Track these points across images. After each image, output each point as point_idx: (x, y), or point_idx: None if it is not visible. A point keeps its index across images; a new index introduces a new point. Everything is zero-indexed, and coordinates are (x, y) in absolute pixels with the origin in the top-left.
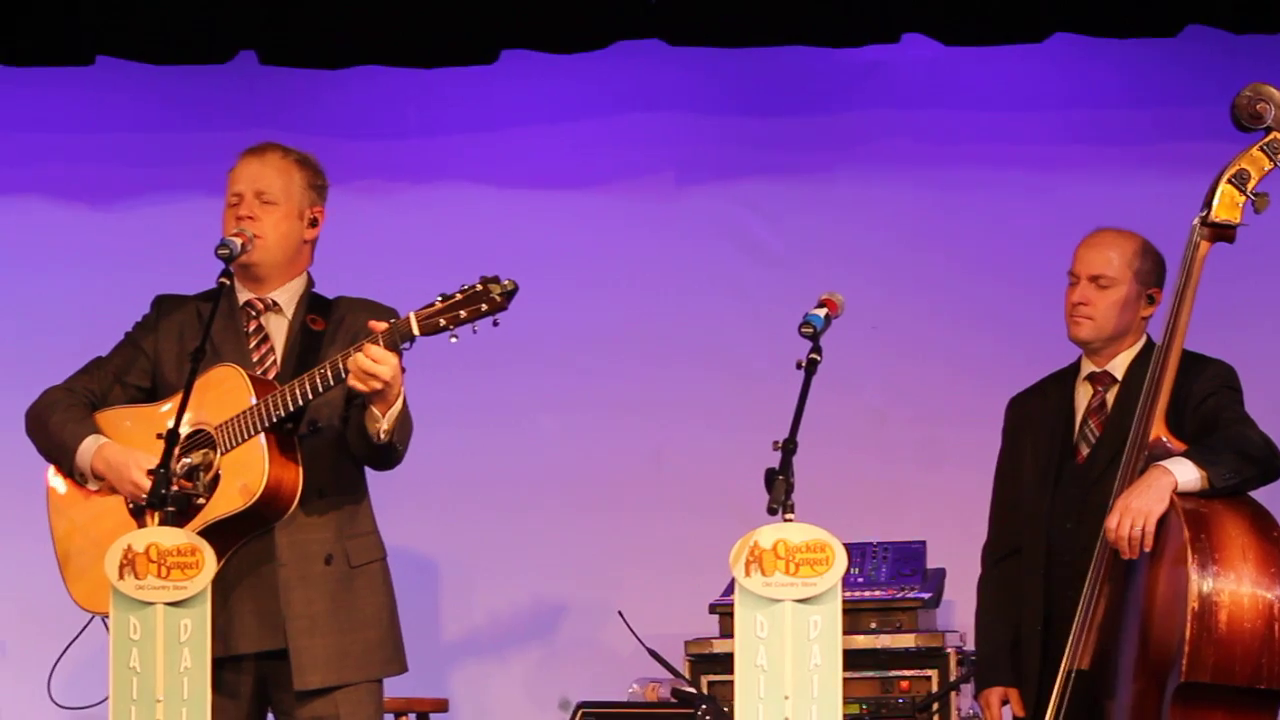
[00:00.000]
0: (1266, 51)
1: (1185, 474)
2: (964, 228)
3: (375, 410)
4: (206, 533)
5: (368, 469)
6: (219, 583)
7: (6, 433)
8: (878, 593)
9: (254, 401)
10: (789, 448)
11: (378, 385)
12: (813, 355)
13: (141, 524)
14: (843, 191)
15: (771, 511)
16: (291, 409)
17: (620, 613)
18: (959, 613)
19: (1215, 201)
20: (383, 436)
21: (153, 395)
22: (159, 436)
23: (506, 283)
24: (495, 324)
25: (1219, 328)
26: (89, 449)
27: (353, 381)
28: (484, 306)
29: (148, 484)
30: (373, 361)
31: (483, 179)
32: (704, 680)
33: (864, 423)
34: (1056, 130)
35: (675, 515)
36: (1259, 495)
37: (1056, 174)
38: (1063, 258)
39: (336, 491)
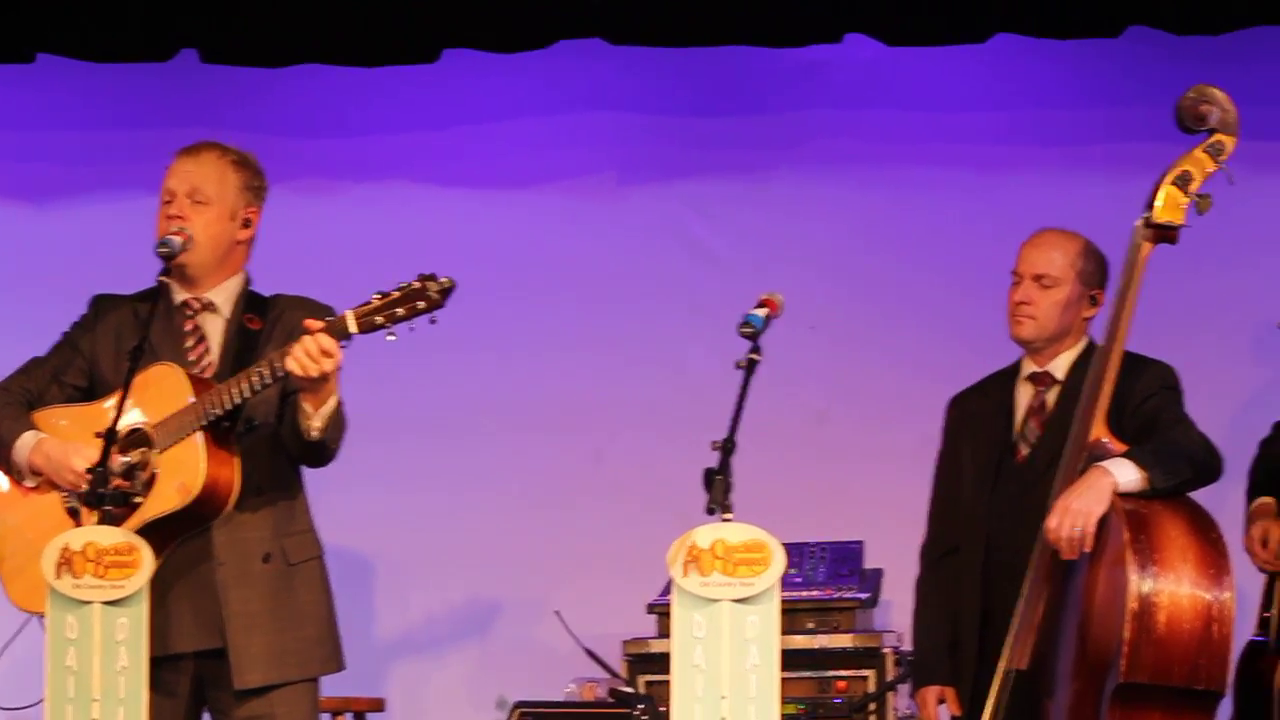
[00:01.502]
0: (1209, 52)
1: (1125, 475)
2: (906, 228)
3: (308, 407)
4: (144, 531)
5: (304, 467)
6: (156, 582)
7: None
8: (815, 593)
9: (191, 400)
10: (727, 447)
11: (315, 373)
12: (752, 355)
13: (79, 523)
14: (784, 191)
15: (710, 511)
16: (229, 407)
17: (558, 612)
18: (897, 613)
19: (1158, 203)
20: (315, 434)
21: (90, 395)
22: (97, 435)
23: (444, 280)
24: (433, 322)
25: (1161, 329)
26: (27, 444)
27: (291, 365)
28: (421, 304)
29: (85, 469)
30: (320, 349)
31: (424, 178)
32: (641, 680)
33: (803, 422)
34: (1000, 130)
35: (614, 515)
36: (1202, 497)
37: (1000, 174)
38: (1006, 257)
39: (273, 489)
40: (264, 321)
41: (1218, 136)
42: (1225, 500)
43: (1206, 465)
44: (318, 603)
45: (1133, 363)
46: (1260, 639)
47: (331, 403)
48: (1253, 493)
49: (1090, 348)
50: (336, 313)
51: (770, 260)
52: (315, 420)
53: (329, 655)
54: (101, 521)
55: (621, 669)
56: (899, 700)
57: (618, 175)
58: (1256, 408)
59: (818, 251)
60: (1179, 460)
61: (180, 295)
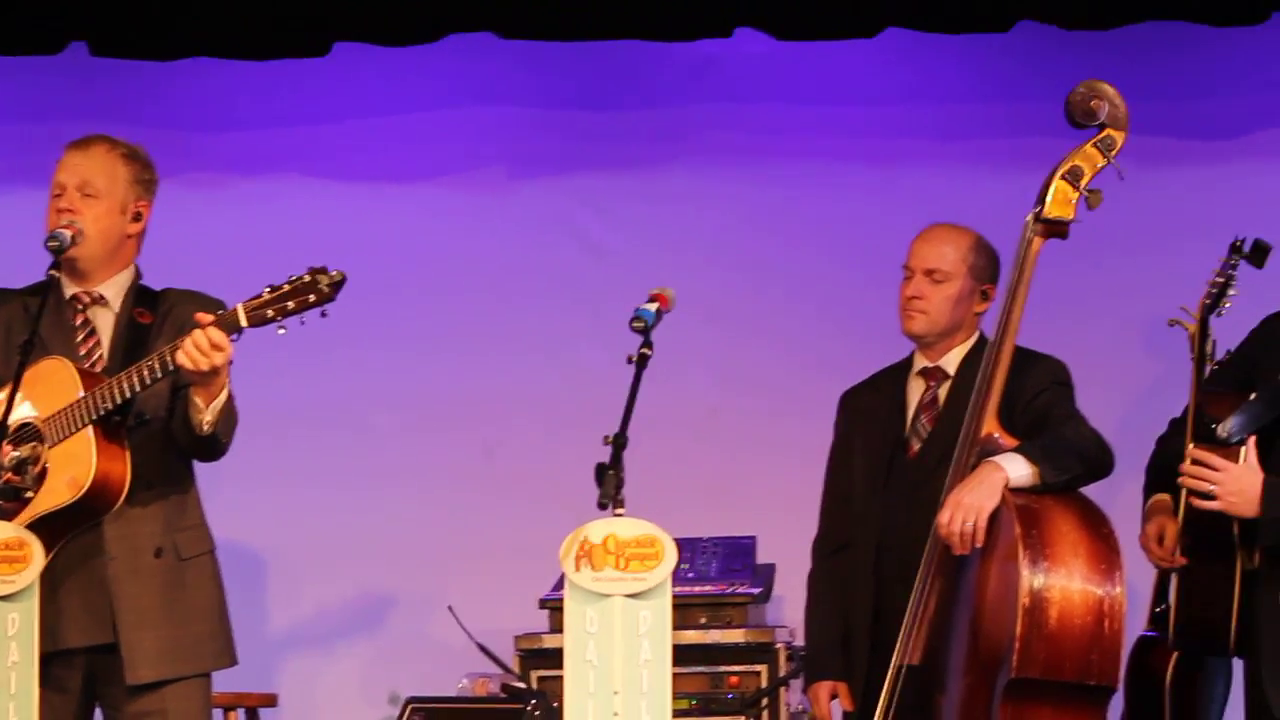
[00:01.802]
0: (1099, 47)
1: (1017, 470)
2: (799, 222)
3: (199, 401)
4: (34, 526)
5: (195, 461)
6: (47, 577)
7: None
8: (708, 588)
9: (82, 394)
10: (619, 442)
11: (205, 366)
12: (644, 350)
13: None
14: (676, 186)
15: (601, 506)
16: (119, 401)
17: (450, 607)
18: (789, 608)
19: (1048, 198)
20: (206, 428)
21: None
22: None
23: (334, 274)
24: (324, 315)
25: (1052, 324)
26: None
27: (181, 359)
28: (312, 298)
29: None
30: (210, 343)
31: (314, 172)
32: (534, 675)
33: (695, 417)
34: (891, 125)
35: (507, 510)
36: (1094, 492)
37: (892, 169)
38: (898, 252)
39: (164, 484)
40: (154, 315)
41: (1108, 132)
42: (1117, 495)
43: (1097, 460)
44: (209, 598)
45: (1024, 358)
46: (1151, 634)
47: (222, 397)
48: (1149, 489)
49: (981, 342)
50: (227, 306)
51: (662, 254)
52: (206, 414)
53: (221, 650)
54: None
55: (514, 664)
56: (791, 695)
57: (508, 170)
58: (1149, 403)
59: (710, 246)
60: (1070, 455)
61: (70, 289)
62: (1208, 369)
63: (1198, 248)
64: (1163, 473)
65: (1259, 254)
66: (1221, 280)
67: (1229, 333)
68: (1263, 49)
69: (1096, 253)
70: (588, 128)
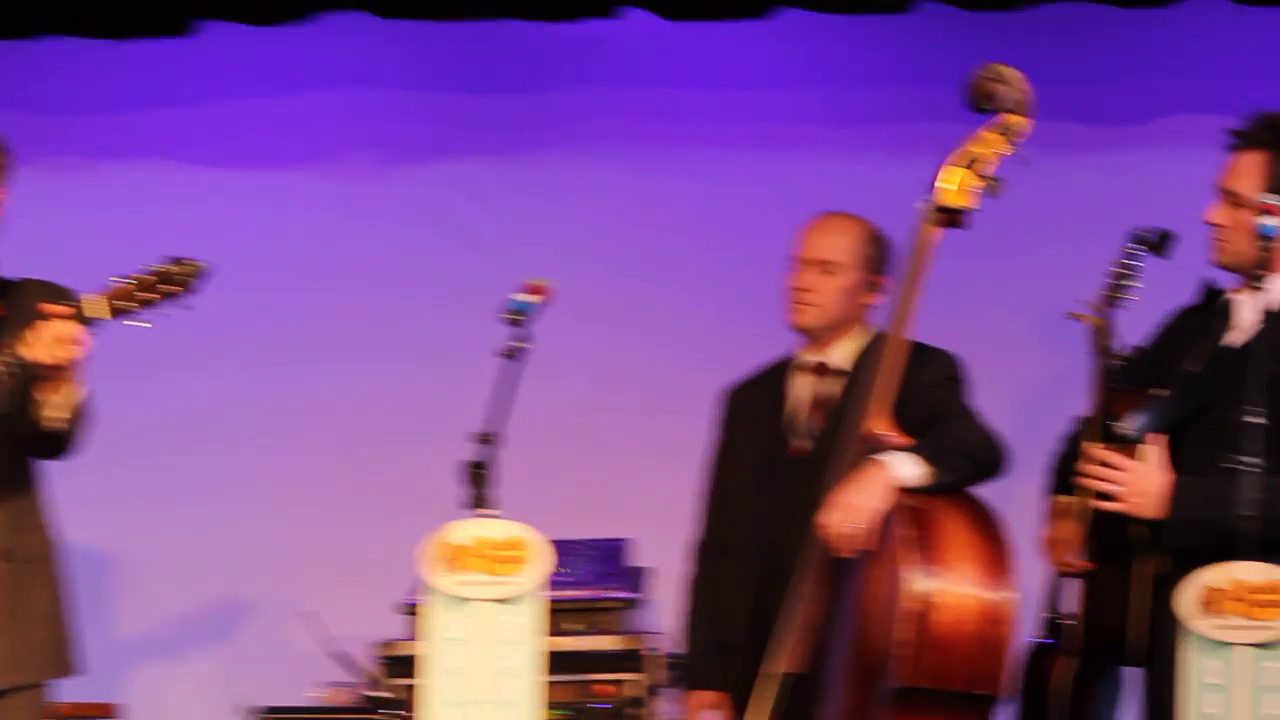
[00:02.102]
0: (1002, 29)
1: (907, 469)
2: (686, 211)
3: (47, 396)
4: None
5: (41, 461)
6: None
7: None
8: (580, 592)
9: None
10: (490, 439)
11: (53, 360)
12: (518, 343)
13: None
14: (557, 173)
15: (470, 507)
16: None
17: (306, 613)
18: (665, 614)
19: (947, 185)
20: (53, 424)
21: None
22: None
23: (195, 264)
24: (185, 307)
25: (947, 317)
26: None
27: (29, 351)
28: (171, 289)
29: None
30: (59, 335)
31: (177, 156)
32: (394, 684)
33: (571, 414)
34: (786, 109)
35: (371, 511)
36: (988, 492)
37: (784, 156)
38: (787, 242)
39: (8, 484)
40: (7, 306)
41: (1010, 117)
42: (1012, 496)
43: (991, 460)
44: (53, 603)
45: (917, 352)
46: (1044, 641)
47: (73, 393)
48: (1052, 491)
49: (873, 336)
50: (82, 296)
51: (541, 245)
52: (54, 410)
53: (63, 659)
54: None
55: (372, 672)
56: (666, 705)
57: (381, 155)
58: (1048, 399)
59: (590, 236)
60: (962, 454)
61: None
62: (1110, 364)
63: (1101, 238)
64: (1066, 473)
65: (1162, 243)
66: (1123, 271)
67: (1132, 326)
68: (1171, 32)
69: (995, 243)
70: (466, 112)
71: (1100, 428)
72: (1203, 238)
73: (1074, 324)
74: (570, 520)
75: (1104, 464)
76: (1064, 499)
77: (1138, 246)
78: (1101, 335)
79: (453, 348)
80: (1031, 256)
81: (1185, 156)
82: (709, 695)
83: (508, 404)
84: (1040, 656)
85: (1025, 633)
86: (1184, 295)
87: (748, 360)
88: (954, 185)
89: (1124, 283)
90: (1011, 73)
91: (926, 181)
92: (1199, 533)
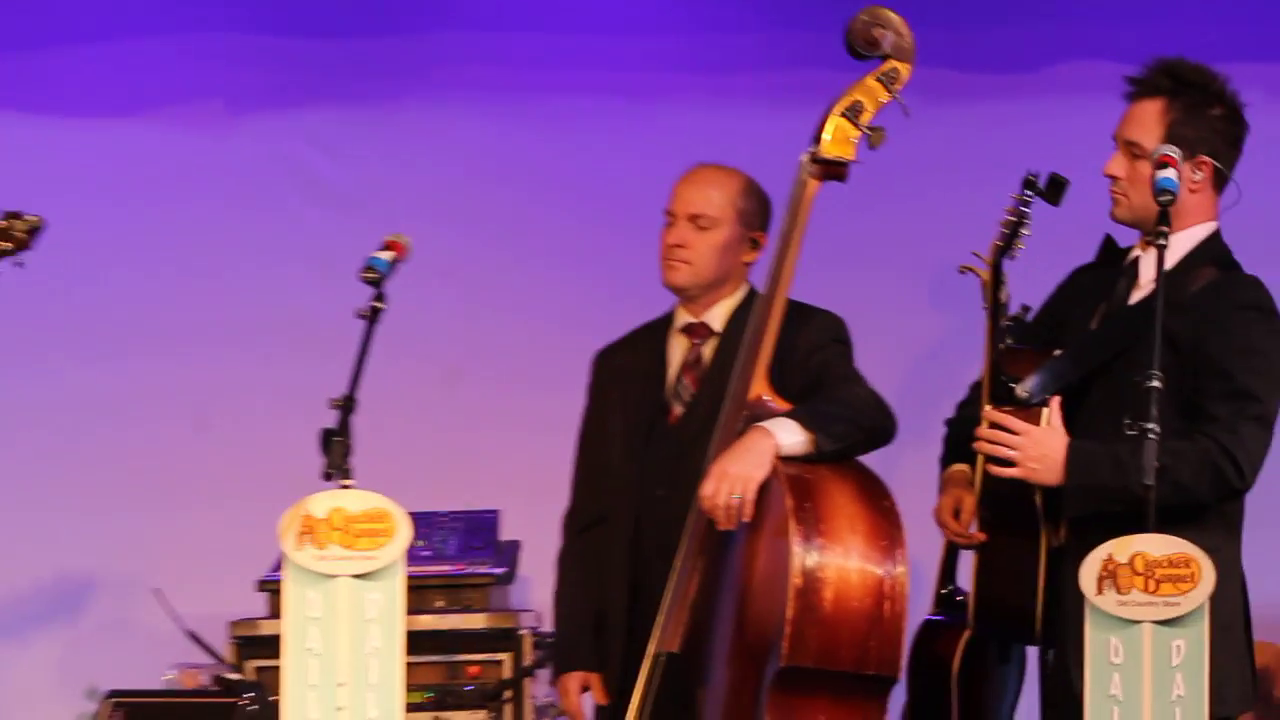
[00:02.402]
0: None
1: (789, 436)
2: (551, 164)
3: None
4: None
5: None
6: None
7: None
8: (445, 567)
9: None
10: (347, 406)
11: None
12: (375, 303)
13: None
14: (413, 123)
15: (327, 477)
16: None
17: (156, 591)
18: (536, 590)
19: (825, 136)
20: None
21: None
22: None
23: (31, 218)
24: (19, 265)
25: (829, 275)
26: None
27: None
28: (6, 245)
29: None
30: None
31: (9, 105)
32: (250, 666)
33: (434, 380)
34: (651, 56)
35: (222, 486)
36: (879, 460)
37: (651, 104)
38: (658, 197)
39: None
40: None
41: (891, 63)
42: (899, 463)
43: (878, 426)
44: None
45: (797, 312)
46: (938, 618)
47: None
48: (947, 459)
49: (751, 296)
50: None
51: (397, 199)
52: None
53: None
54: None
55: (228, 653)
56: (537, 687)
57: (227, 103)
58: (937, 360)
59: (451, 190)
60: (847, 420)
61: None
62: (1004, 322)
63: (990, 189)
64: (960, 440)
65: (1055, 189)
66: (1014, 219)
67: (1024, 280)
68: None
69: (879, 196)
70: (315, 57)
71: (995, 389)
72: (1102, 191)
73: (965, 280)
74: (436, 492)
75: (999, 427)
76: (958, 467)
77: (1028, 193)
78: (994, 291)
79: (308, 310)
80: (919, 210)
81: (1081, 105)
82: (583, 676)
83: (365, 367)
84: (935, 634)
85: (919, 610)
86: (1083, 255)
87: (621, 323)
88: (834, 136)
89: (1015, 232)
90: (894, 16)
91: (805, 133)
92: (1099, 500)
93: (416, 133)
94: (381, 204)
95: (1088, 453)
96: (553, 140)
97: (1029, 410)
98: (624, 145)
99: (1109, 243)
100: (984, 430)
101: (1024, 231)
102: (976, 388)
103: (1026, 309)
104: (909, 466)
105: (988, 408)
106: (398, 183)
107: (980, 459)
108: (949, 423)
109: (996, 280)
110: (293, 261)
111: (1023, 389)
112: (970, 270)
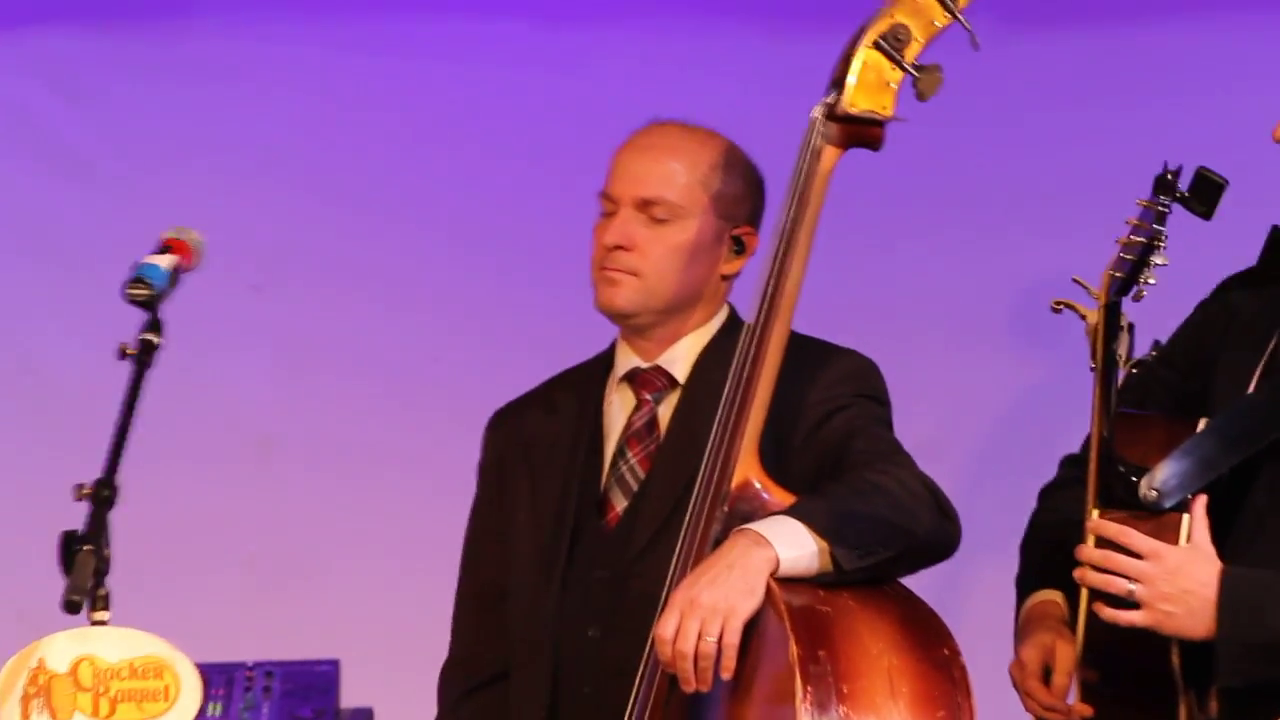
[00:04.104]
0: None
1: (793, 546)
2: (414, 119)
3: None
4: None
5: None
6: None
7: None
8: None
9: None
10: (103, 496)
11: None
12: (148, 335)
13: None
14: (199, 52)
15: (71, 608)
16: None
17: None
18: None
19: (851, 80)
20: None
21: None
22: None
23: None
24: None
25: (855, 297)
26: None
27: None
28: None
29: None
30: None
31: None
32: None
33: (241, 451)
34: None
35: None
36: (933, 582)
37: (584, 31)
38: (593, 175)
39: None
40: None
41: None
42: (965, 585)
43: (931, 529)
44: None
45: (807, 353)
46: None
47: None
48: (1029, 583)
49: (733, 326)
50: None
51: (179, 173)
52: None
53: None
54: None
55: None
56: None
57: None
58: (1020, 430)
59: (264, 156)
60: (883, 521)
61: None
62: (1121, 373)
63: (1105, 173)
64: (1049, 555)
65: (1205, 192)
66: (1141, 238)
67: (1151, 319)
68: None
69: (930, 175)
70: None
71: (1106, 483)
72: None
73: (1062, 320)
74: (243, 632)
75: (1111, 545)
76: (1047, 597)
77: (1165, 198)
78: (1106, 341)
79: (38, 346)
80: (990, 203)
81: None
82: None
83: (129, 436)
84: None
85: None
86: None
87: (528, 369)
88: (863, 80)
89: (1143, 258)
90: None
91: (818, 75)
92: (1271, 660)
93: (200, 63)
94: (157, 179)
95: (1252, 586)
96: (411, 82)
97: (1159, 518)
98: (532, 90)
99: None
100: (1089, 550)
101: (1155, 259)
102: (1072, 464)
103: (1158, 346)
104: (976, 593)
105: (1094, 513)
106: (181, 146)
107: (1084, 593)
108: (1032, 525)
109: (1111, 326)
110: (17, 268)
111: (1149, 484)
112: (1069, 308)
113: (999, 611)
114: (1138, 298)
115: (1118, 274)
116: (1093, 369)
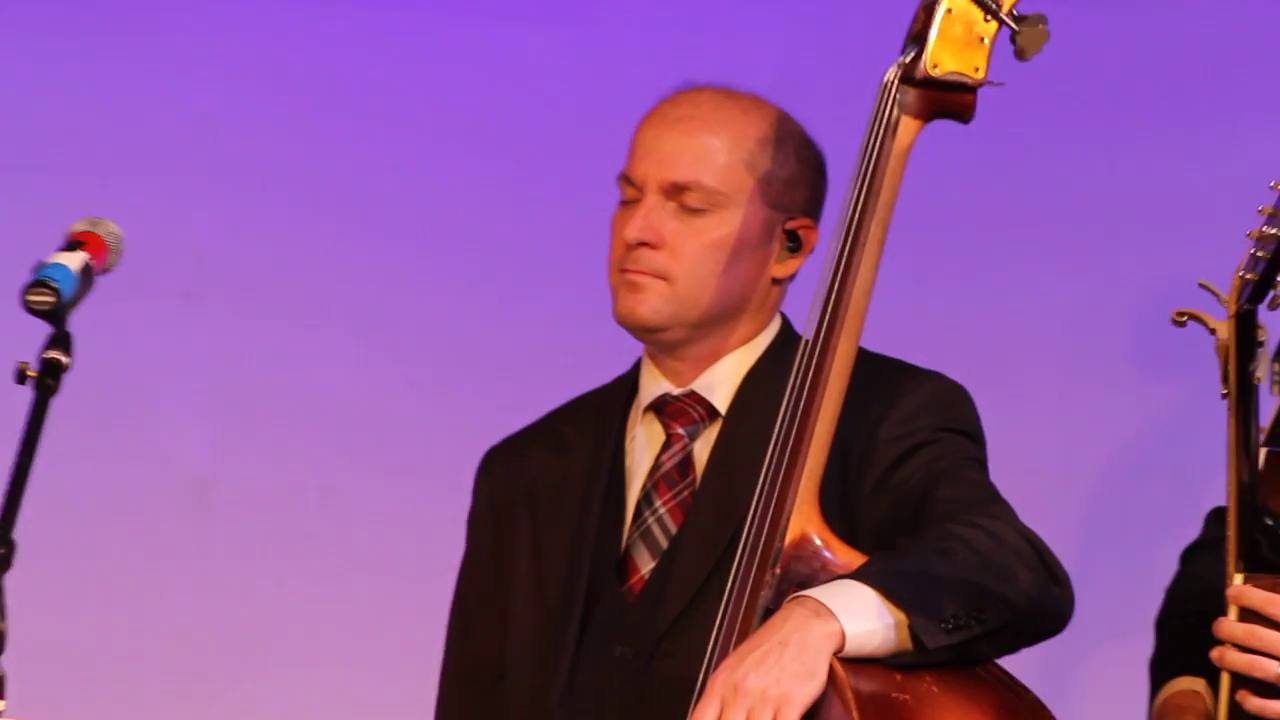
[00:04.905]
0: None
1: (862, 618)
2: (400, 85)
3: None
4: None
5: None
6: None
7: None
8: None
9: None
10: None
11: None
12: (52, 353)
13: None
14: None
15: None
16: None
17: None
18: None
19: (933, 34)
20: None
21: None
22: None
23: None
24: None
25: (939, 308)
26: None
27: None
28: None
29: None
30: None
31: None
32: None
33: (173, 499)
34: None
35: None
36: (1038, 663)
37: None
38: (613, 156)
39: None
40: None
41: None
42: (1078, 662)
43: (1038, 598)
44: None
45: (881, 376)
46: None
47: None
48: (1161, 665)
49: (786, 342)
50: None
51: (101, 143)
52: None
53: None
54: None
55: None
56: None
57: None
58: (1147, 475)
59: (207, 134)
60: (976, 588)
61: None
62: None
63: (1240, 166)
64: (1191, 632)
65: None
66: (1278, 229)
67: None
68: None
69: (1029, 156)
70: None
71: (1248, 541)
72: None
73: (1186, 334)
74: (185, 711)
75: (1259, 618)
76: (1186, 685)
77: None
78: (1240, 359)
79: None
80: (1102, 192)
81: None
82: None
83: (28, 478)
84: None
85: None
86: None
87: (527, 398)
88: (946, 35)
89: (1278, 251)
90: None
91: (892, 28)
92: None
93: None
94: (75, 152)
95: None
96: (393, 40)
97: None
98: (545, 77)
99: None
100: (1230, 624)
101: None
102: (1219, 519)
103: None
104: (1089, 677)
105: (1237, 578)
106: (98, 120)
107: (1226, 678)
108: (1170, 596)
109: (1246, 341)
110: None
111: None
112: (1195, 319)
113: (1123, 703)
114: (1274, 305)
115: (1249, 276)
116: (1224, 395)
